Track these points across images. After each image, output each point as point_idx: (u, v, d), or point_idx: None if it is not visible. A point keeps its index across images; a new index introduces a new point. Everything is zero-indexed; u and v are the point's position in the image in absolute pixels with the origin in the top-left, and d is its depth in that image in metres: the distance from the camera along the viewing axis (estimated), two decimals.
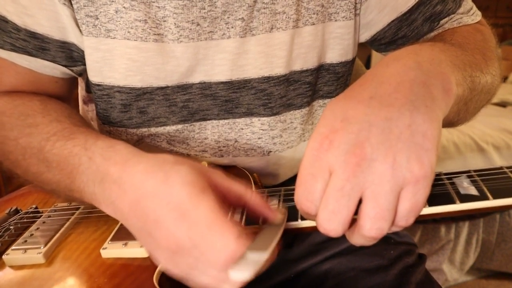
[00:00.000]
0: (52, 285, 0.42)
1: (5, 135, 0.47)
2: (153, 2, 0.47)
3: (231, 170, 0.57)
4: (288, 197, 0.45)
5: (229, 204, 0.37)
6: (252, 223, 0.41)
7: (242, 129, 0.57)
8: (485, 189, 0.39)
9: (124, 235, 0.45)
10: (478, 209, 0.38)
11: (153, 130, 0.55)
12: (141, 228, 0.35)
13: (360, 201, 0.30)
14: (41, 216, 0.53)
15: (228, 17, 0.50)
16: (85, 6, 0.47)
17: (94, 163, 0.39)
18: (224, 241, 0.31)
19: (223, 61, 0.52)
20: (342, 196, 0.30)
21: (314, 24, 0.53)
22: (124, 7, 0.47)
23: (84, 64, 0.51)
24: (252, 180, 0.53)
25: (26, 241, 0.47)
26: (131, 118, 0.54)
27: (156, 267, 0.41)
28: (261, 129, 0.57)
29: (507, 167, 0.41)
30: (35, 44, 0.49)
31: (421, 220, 0.34)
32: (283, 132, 0.58)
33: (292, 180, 0.65)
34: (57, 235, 0.48)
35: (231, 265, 0.31)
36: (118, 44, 0.48)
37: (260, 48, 0.52)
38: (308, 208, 0.32)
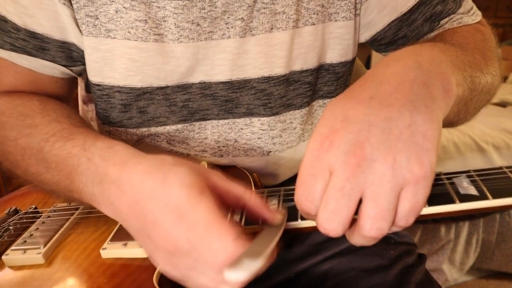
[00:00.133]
0: (51, 285, 0.42)
1: (4, 135, 0.47)
2: (153, 2, 0.47)
3: (230, 170, 0.57)
4: (288, 197, 0.45)
5: (228, 205, 0.37)
6: (252, 223, 0.41)
7: (242, 129, 0.57)
8: (484, 189, 0.39)
9: (123, 235, 0.45)
10: (478, 209, 0.38)
11: (153, 130, 0.55)
12: (140, 229, 0.35)
13: (360, 201, 0.30)
14: (40, 216, 0.53)
15: (228, 17, 0.50)
16: (85, 6, 0.47)
17: (93, 164, 0.39)
18: (221, 242, 0.31)
19: (223, 61, 0.52)
20: (342, 196, 0.30)
21: (314, 24, 0.53)
22: (124, 7, 0.47)
23: (84, 64, 0.51)
24: (251, 180, 0.53)
25: (25, 241, 0.47)
26: (131, 118, 0.54)
27: (156, 267, 0.41)
28: (261, 129, 0.57)
29: (507, 167, 0.41)
30: (35, 44, 0.49)
31: (421, 220, 0.34)
32: (282, 132, 0.58)
33: (292, 180, 0.65)
34: (57, 235, 0.48)
35: (227, 266, 0.31)
36: (118, 44, 0.48)
37: (260, 48, 0.52)
38: (308, 208, 0.32)
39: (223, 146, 0.57)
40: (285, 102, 0.57)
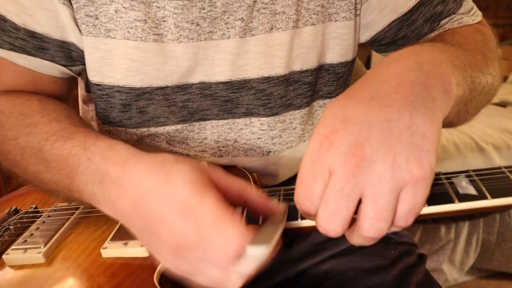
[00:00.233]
0: (52, 284, 0.42)
1: (4, 134, 0.47)
2: (153, 2, 0.47)
3: (230, 170, 0.57)
4: (288, 197, 0.45)
5: (230, 201, 0.37)
6: (252, 221, 0.41)
7: (242, 129, 0.57)
8: (483, 188, 0.39)
9: (124, 234, 0.45)
10: (477, 209, 0.38)
11: (152, 130, 0.55)
12: (143, 227, 0.35)
13: (359, 202, 0.30)
14: (41, 216, 0.53)
15: (228, 17, 0.50)
16: (85, 6, 0.47)
17: (93, 163, 0.39)
18: (228, 237, 0.32)
19: (222, 61, 0.52)
20: (341, 196, 0.30)
21: (314, 24, 0.53)
22: (124, 7, 0.47)
23: (83, 64, 0.51)
24: (251, 180, 0.53)
25: (26, 241, 0.47)
26: (130, 118, 0.54)
27: (156, 266, 0.41)
28: (261, 129, 0.57)
29: (506, 167, 0.41)
30: (34, 43, 0.49)
31: (421, 220, 0.34)
32: (282, 132, 0.58)
33: (292, 180, 0.65)
34: (57, 234, 0.48)
35: (235, 260, 0.31)
36: (118, 44, 0.48)
37: (260, 48, 0.52)
38: (308, 208, 0.32)
39: (223, 146, 0.57)
40: (285, 102, 0.57)
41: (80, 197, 0.41)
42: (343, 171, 0.30)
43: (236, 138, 0.57)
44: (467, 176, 0.41)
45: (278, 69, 0.54)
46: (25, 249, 0.46)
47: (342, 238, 0.33)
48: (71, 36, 0.49)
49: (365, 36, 0.61)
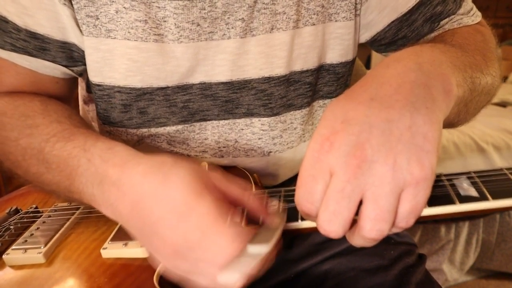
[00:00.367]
0: (52, 285, 0.42)
1: (5, 135, 0.47)
2: (153, 2, 0.47)
3: (231, 170, 0.57)
4: (289, 198, 0.45)
5: (227, 205, 0.37)
6: (253, 221, 0.41)
7: (242, 129, 0.57)
8: (485, 190, 0.39)
9: (124, 235, 0.45)
10: (478, 210, 0.38)
11: (153, 130, 0.55)
12: (141, 229, 0.35)
13: (360, 203, 0.30)
14: (41, 216, 0.53)
15: (228, 18, 0.50)
16: (85, 6, 0.47)
17: (93, 165, 0.39)
18: (222, 242, 0.32)
19: (223, 61, 0.52)
20: (342, 197, 0.30)
21: (314, 24, 0.53)
22: (124, 7, 0.47)
23: (85, 64, 0.51)
24: (252, 181, 0.53)
25: (26, 241, 0.47)
26: (131, 118, 0.54)
27: (156, 267, 0.41)
28: (261, 130, 0.57)
29: (507, 169, 0.41)
30: (36, 44, 0.49)
31: (421, 221, 0.34)
32: (283, 133, 0.58)
33: (292, 180, 0.65)
34: (57, 235, 0.48)
35: (223, 266, 0.31)
36: (119, 44, 0.48)
37: (260, 48, 0.52)
38: (308, 210, 0.32)
39: (224, 147, 0.57)
40: (286, 102, 0.57)
41: (80, 198, 0.41)
42: (344, 172, 0.30)
43: (237, 138, 0.57)
44: (469, 178, 0.41)
45: (278, 69, 0.54)
46: (25, 249, 0.46)
47: (342, 238, 0.33)
48: (72, 36, 0.49)
49: (365, 36, 0.61)
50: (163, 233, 0.33)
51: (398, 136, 0.30)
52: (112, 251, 0.44)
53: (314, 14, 0.53)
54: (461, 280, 1.66)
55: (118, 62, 0.49)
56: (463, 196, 0.39)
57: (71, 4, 0.47)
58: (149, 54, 0.49)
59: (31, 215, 0.54)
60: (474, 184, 0.40)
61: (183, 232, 0.33)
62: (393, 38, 0.59)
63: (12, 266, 0.46)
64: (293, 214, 0.41)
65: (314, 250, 0.59)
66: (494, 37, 0.56)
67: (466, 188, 0.39)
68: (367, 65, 2.98)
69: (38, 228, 0.50)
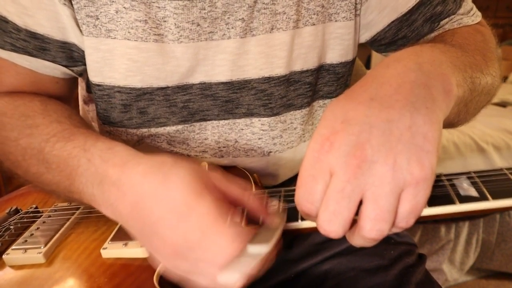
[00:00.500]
0: (52, 285, 0.42)
1: (5, 135, 0.47)
2: (153, 2, 0.47)
3: (231, 170, 0.57)
4: (289, 198, 0.45)
5: (227, 206, 0.37)
6: (253, 221, 0.41)
7: (242, 129, 0.57)
8: (485, 190, 0.39)
9: (124, 235, 0.45)
10: (478, 211, 0.38)
11: (153, 130, 0.55)
12: (141, 229, 0.35)
13: (360, 203, 0.30)
14: (41, 216, 0.53)
15: (228, 18, 0.50)
16: (85, 6, 0.47)
17: (93, 165, 0.39)
18: (222, 242, 0.32)
19: (223, 61, 0.52)
20: (342, 197, 0.30)
21: (314, 24, 0.53)
22: (124, 7, 0.47)
23: (85, 64, 0.51)
24: (252, 181, 0.53)
25: (26, 241, 0.47)
26: (131, 118, 0.54)
27: (156, 267, 0.41)
28: (261, 130, 0.57)
29: (507, 169, 0.41)
30: (36, 44, 0.49)
31: (421, 221, 0.34)
32: (283, 133, 0.58)
33: (292, 180, 0.65)
34: (57, 235, 0.48)
35: (223, 266, 0.31)
36: (119, 44, 0.48)
37: (260, 48, 0.52)
38: (308, 210, 0.32)
39: (224, 147, 0.57)
40: (286, 102, 0.57)
41: (80, 198, 0.41)
42: (344, 172, 0.30)
43: (237, 138, 0.57)
44: (469, 178, 0.41)
45: (278, 69, 0.54)
46: (25, 249, 0.46)
47: (342, 238, 0.33)
48: (72, 36, 0.49)
49: (365, 36, 0.61)
50: (163, 233, 0.33)
51: (398, 136, 0.30)
52: (112, 251, 0.44)
53: (314, 14, 0.53)
54: (461, 280, 1.66)
55: (118, 62, 0.49)
56: (463, 196, 0.39)
57: (71, 4, 0.47)
58: (149, 54, 0.49)
59: (31, 215, 0.54)
60: (474, 184, 0.40)
61: (183, 232, 0.33)
62: (393, 38, 0.59)
63: (12, 266, 0.46)
64: (293, 214, 0.41)
65: (314, 250, 0.59)
66: (494, 37, 0.56)
67: (466, 188, 0.39)
68: (367, 65, 2.98)
69: (38, 228, 0.50)
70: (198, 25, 0.49)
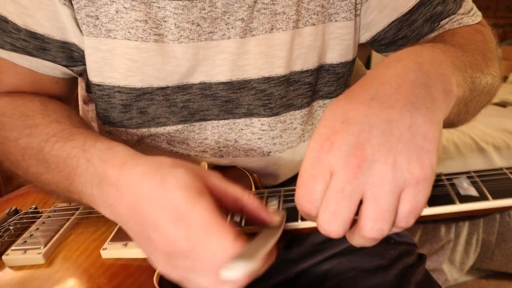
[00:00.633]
0: (52, 285, 0.42)
1: (5, 135, 0.47)
2: (154, 2, 0.47)
3: (231, 170, 0.57)
4: (288, 198, 0.45)
5: (226, 208, 0.37)
6: (252, 223, 0.41)
7: (242, 129, 0.57)
8: (485, 190, 0.38)
9: (124, 235, 0.45)
10: (478, 210, 0.38)
11: (153, 130, 0.55)
12: (139, 231, 0.35)
13: (360, 202, 0.30)
14: (40, 216, 0.53)
15: (228, 18, 0.50)
16: (85, 6, 0.47)
17: (92, 165, 0.39)
18: (220, 244, 0.31)
19: (223, 61, 0.52)
20: (342, 197, 0.30)
21: (314, 24, 0.53)
22: (124, 7, 0.47)
23: (84, 64, 0.51)
24: (252, 181, 0.53)
25: (25, 241, 0.47)
26: (131, 118, 0.54)
27: (156, 268, 0.41)
28: (261, 130, 0.57)
29: (507, 168, 0.41)
30: (36, 44, 0.49)
31: (421, 221, 0.34)
32: (283, 133, 0.58)
33: (292, 180, 0.65)
34: (57, 235, 0.48)
35: (223, 265, 0.31)
36: (119, 44, 0.48)
37: (260, 48, 0.52)
38: (308, 209, 0.32)
39: (224, 147, 0.57)
40: (285, 102, 0.57)
41: (80, 199, 0.41)
42: (344, 172, 0.29)
43: (237, 138, 0.57)
44: (468, 177, 0.41)
45: (278, 69, 0.54)
46: (25, 250, 0.46)
47: (342, 238, 0.33)
48: (72, 36, 0.49)
49: (365, 36, 0.61)
50: (157, 238, 0.33)
51: (398, 136, 0.30)
52: (112, 251, 0.44)
53: (314, 14, 0.53)
54: (461, 280, 1.66)
55: (118, 62, 0.49)
56: (463, 195, 0.38)
57: (71, 4, 0.47)
58: (149, 54, 0.49)
59: (30, 215, 0.54)
60: (474, 183, 0.40)
61: (181, 234, 0.32)
62: (393, 38, 0.59)
63: (11, 267, 0.46)
64: (293, 214, 0.41)
65: (314, 250, 0.59)
66: (494, 37, 0.56)
67: (466, 187, 0.39)
68: (367, 65, 2.98)
69: (37, 229, 0.50)
70: (198, 25, 0.49)
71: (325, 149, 0.31)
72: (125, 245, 0.44)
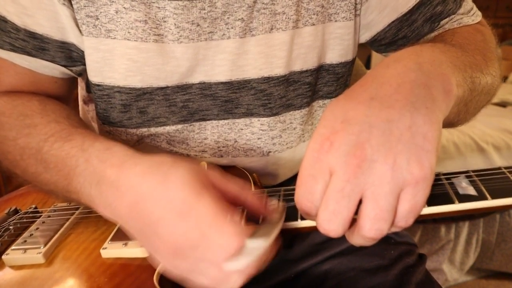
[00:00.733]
0: (52, 285, 0.42)
1: (4, 135, 0.47)
2: (153, 2, 0.47)
3: (230, 170, 0.57)
4: (288, 197, 0.45)
5: (227, 203, 0.37)
6: (252, 220, 0.41)
7: (242, 129, 0.57)
8: (483, 189, 0.39)
9: (124, 235, 0.45)
10: (477, 209, 0.38)
11: (153, 130, 0.55)
12: (141, 230, 0.35)
13: (360, 202, 0.30)
14: (40, 216, 0.53)
15: (228, 18, 0.50)
16: (85, 6, 0.47)
17: (91, 165, 0.39)
18: (226, 237, 0.32)
19: (223, 61, 0.52)
20: (342, 197, 0.30)
21: (314, 24, 0.53)
22: (124, 7, 0.47)
23: (84, 64, 0.52)
24: (251, 180, 0.53)
25: (25, 241, 0.47)
26: (131, 118, 0.54)
27: (156, 267, 0.41)
28: (261, 130, 0.57)
29: (506, 168, 0.41)
30: (35, 44, 0.49)
31: (421, 220, 0.34)
32: (282, 133, 0.58)
33: (292, 180, 0.65)
34: (57, 235, 0.48)
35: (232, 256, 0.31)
36: (118, 44, 0.48)
37: (260, 48, 0.52)
38: (308, 209, 0.32)
39: (223, 147, 0.57)
40: (285, 102, 0.57)
41: (78, 198, 0.41)
42: (344, 172, 0.30)
43: (236, 138, 0.57)
44: (467, 177, 0.41)
45: (278, 69, 0.54)
46: (25, 250, 0.46)
47: (342, 238, 0.33)
48: (71, 36, 0.49)
49: (365, 36, 0.61)
50: (163, 233, 0.33)
51: (398, 136, 0.30)
52: (112, 251, 0.44)
53: (313, 14, 0.53)
54: (461, 280, 1.66)
55: (118, 62, 0.49)
56: (462, 195, 0.39)
57: (71, 4, 0.47)
58: (149, 54, 0.49)
59: (30, 215, 0.54)
60: (472, 183, 0.40)
61: (184, 231, 0.33)
62: (393, 38, 0.59)
63: (11, 267, 0.46)
64: (292, 213, 0.41)
65: (314, 250, 0.59)
66: (494, 37, 0.56)
67: (465, 187, 0.39)
68: (367, 65, 2.98)
69: (37, 228, 0.50)
70: (198, 25, 0.49)
71: (325, 149, 0.31)
72: (125, 244, 0.44)
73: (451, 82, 0.34)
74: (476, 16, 0.58)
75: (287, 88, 0.56)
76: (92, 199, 0.39)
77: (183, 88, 0.53)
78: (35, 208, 0.55)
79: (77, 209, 0.54)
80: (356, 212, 0.30)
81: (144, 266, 0.42)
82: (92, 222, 0.51)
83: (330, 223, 0.31)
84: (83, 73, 0.56)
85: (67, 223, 0.50)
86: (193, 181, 0.34)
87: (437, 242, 1.59)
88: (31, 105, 0.49)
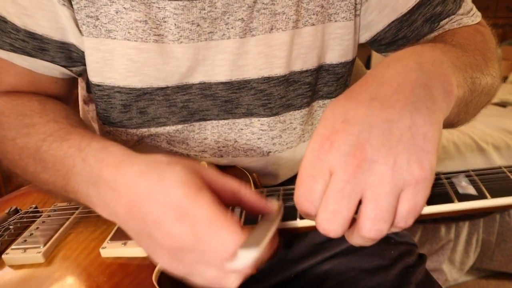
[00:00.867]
0: (51, 284, 0.42)
1: (3, 134, 0.47)
2: (153, 3, 0.47)
3: (230, 170, 0.57)
4: (288, 197, 0.45)
5: (224, 202, 0.37)
6: (251, 220, 0.41)
7: (242, 129, 0.57)
8: (483, 188, 0.39)
9: (123, 234, 0.45)
10: (477, 209, 0.38)
11: (153, 130, 0.55)
12: (139, 230, 0.35)
13: (360, 202, 0.30)
14: (40, 215, 0.53)
15: (228, 18, 0.50)
16: (85, 6, 0.47)
17: (88, 165, 0.39)
18: (225, 237, 0.31)
19: (223, 61, 0.52)
20: (342, 197, 0.30)
21: (314, 24, 0.53)
22: (124, 7, 0.47)
23: (84, 65, 0.51)
24: (251, 180, 0.53)
25: (25, 240, 0.47)
26: (131, 118, 0.54)
27: (155, 266, 0.41)
28: (261, 130, 0.57)
29: (505, 167, 0.41)
30: (34, 44, 0.49)
31: (421, 220, 0.34)
32: (282, 133, 0.58)
33: (292, 180, 0.65)
34: (57, 234, 0.48)
35: (231, 256, 0.31)
36: (118, 44, 0.48)
37: (260, 48, 0.52)
38: (308, 209, 0.32)
39: (223, 147, 0.57)
40: (285, 102, 0.57)
41: (76, 198, 0.41)
42: (344, 172, 0.29)
43: (236, 138, 0.57)
44: (467, 176, 0.41)
45: (278, 69, 0.54)
46: (25, 249, 0.46)
47: (342, 238, 0.33)
48: (71, 37, 0.49)
49: (365, 37, 0.61)
50: (160, 235, 0.33)
51: (398, 136, 0.30)
52: (111, 250, 0.44)
53: (313, 14, 0.53)
54: (461, 280, 1.66)
55: (118, 62, 0.49)
56: (462, 194, 0.39)
57: (71, 5, 0.47)
58: (149, 55, 0.49)
59: (30, 215, 0.54)
60: (472, 182, 0.40)
61: (181, 233, 0.32)
62: (393, 38, 0.59)
63: (11, 266, 0.46)
64: (292, 213, 0.41)
65: (314, 250, 0.59)
66: (494, 37, 0.56)
67: (465, 186, 0.39)
68: (367, 65, 2.98)
69: (37, 228, 0.50)
70: (198, 25, 0.49)
71: (325, 149, 0.31)
72: (125, 244, 0.44)
73: (452, 82, 0.34)
74: (475, 16, 0.58)
75: (287, 88, 0.56)
76: (90, 199, 0.39)
77: (183, 88, 0.53)
78: (35, 207, 0.55)
79: (77, 208, 0.54)
80: (356, 212, 0.30)
81: (143, 266, 0.42)
82: (91, 221, 0.51)
83: (330, 223, 0.31)
84: (83, 73, 0.56)
85: (67, 222, 0.50)
86: (190, 179, 0.33)
87: (437, 242, 1.59)
88: (31, 105, 0.49)
